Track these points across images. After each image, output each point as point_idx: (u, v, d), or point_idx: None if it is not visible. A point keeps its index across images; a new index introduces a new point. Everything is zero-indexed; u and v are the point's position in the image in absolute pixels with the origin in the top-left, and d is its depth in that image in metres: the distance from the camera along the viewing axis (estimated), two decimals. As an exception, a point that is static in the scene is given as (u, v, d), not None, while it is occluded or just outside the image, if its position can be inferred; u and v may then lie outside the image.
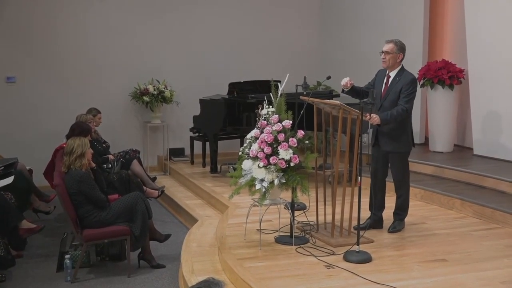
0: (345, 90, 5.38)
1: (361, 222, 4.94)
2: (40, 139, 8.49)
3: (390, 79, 5.25)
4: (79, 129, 6.47)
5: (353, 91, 5.38)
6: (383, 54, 5.23)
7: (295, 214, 5.30)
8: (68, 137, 6.45)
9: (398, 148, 5.27)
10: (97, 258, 5.68)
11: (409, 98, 5.15)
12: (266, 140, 4.86)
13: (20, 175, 6.46)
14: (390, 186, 6.69)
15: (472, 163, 7.19)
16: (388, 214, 5.52)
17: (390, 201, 5.57)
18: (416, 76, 7.79)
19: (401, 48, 5.22)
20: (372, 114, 4.83)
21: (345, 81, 5.29)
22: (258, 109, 5.16)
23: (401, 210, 5.47)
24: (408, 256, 4.80)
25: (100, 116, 7.68)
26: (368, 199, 5.46)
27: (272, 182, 4.85)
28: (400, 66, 5.26)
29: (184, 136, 9.28)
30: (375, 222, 5.44)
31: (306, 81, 6.26)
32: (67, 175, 5.24)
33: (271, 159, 4.83)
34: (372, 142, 5.25)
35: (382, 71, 5.41)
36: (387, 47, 5.23)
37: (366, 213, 5.38)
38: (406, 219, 5.80)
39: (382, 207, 5.50)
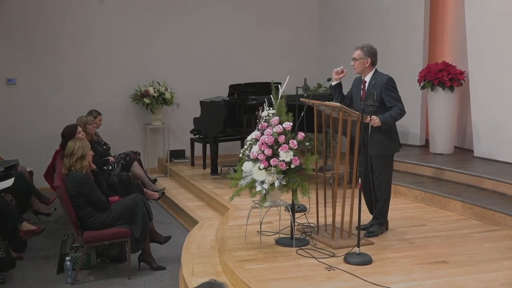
0: (334, 82, 5.41)
1: (362, 224, 4.94)
2: (40, 141, 8.49)
3: (367, 84, 5.29)
4: (68, 132, 6.48)
5: (340, 88, 5.44)
6: (352, 61, 5.31)
7: (296, 216, 5.30)
8: (62, 145, 6.45)
9: (381, 151, 5.23)
10: (98, 260, 5.68)
11: (397, 97, 5.18)
12: (267, 142, 4.86)
13: (21, 177, 6.47)
14: (396, 189, 6.73)
15: (473, 165, 7.19)
16: (390, 216, 5.52)
17: (395, 203, 5.57)
18: (417, 78, 7.87)
19: (368, 52, 5.25)
20: (372, 116, 4.84)
21: (339, 68, 5.32)
22: (259, 111, 5.16)
23: (380, 215, 5.39)
24: (408, 258, 4.79)
25: (101, 118, 7.70)
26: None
27: (272, 184, 4.85)
28: (373, 70, 5.30)
29: (185, 138, 9.29)
30: None
31: (306, 83, 6.26)
32: (68, 177, 5.24)
33: (271, 161, 4.83)
34: (360, 150, 5.19)
35: (357, 78, 5.46)
36: (355, 53, 5.29)
37: (366, 215, 5.37)
38: (406, 220, 5.83)
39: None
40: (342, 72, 5.38)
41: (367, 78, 5.30)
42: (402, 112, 5.16)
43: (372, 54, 5.28)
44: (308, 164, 5.00)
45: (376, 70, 5.31)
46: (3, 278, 5.20)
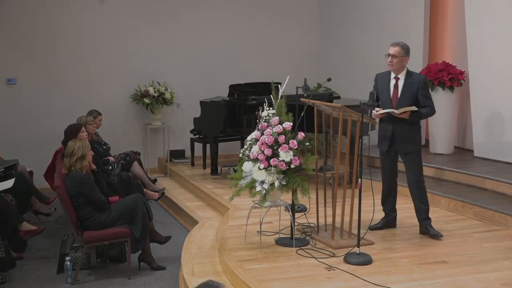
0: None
1: (374, 223, 5.23)
2: (40, 141, 8.49)
3: (401, 82, 5.25)
4: (71, 130, 6.49)
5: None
6: (390, 57, 5.22)
7: (296, 216, 5.30)
8: (63, 143, 6.46)
9: (416, 148, 5.37)
10: (98, 260, 5.68)
11: (430, 96, 5.30)
12: (267, 142, 4.86)
13: (21, 177, 6.47)
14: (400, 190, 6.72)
15: (473, 165, 7.19)
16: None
17: (400, 201, 5.56)
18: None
19: (407, 51, 5.25)
20: (403, 108, 5.03)
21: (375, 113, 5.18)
22: (259, 111, 5.16)
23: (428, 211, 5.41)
24: (408, 258, 4.79)
25: (101, 118, 7.67)
26: (369, 201, 5.37)
27: (272, 184, 4.85)
28: (406, 68, 5.30)
29: (185, 138, 9.30)
30: (390, 221, 5.57)
31: (306, 83, 6.26)
32: (68, 177, 5.24)
33: (271, 161, 4.83)
34: (385, 148, 5.33)
35: (382, 75, 5.42)
36: (394, 50, 5.22)
37: (366, 215, 5.35)
38: (407, 221, 5.82)
39: (394, 210, 5.58)
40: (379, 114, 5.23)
41: (401, 76, 5.27)
42: (433, 112, 5.29)
43: (409, 53, 5.29)
44: (308, 164, 5.00)
45: (407, 68, 5.32)
46: (3, 278, 5.20)
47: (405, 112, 5.10)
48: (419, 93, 5.19)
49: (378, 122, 5.43)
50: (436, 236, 5.26)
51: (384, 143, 5.34)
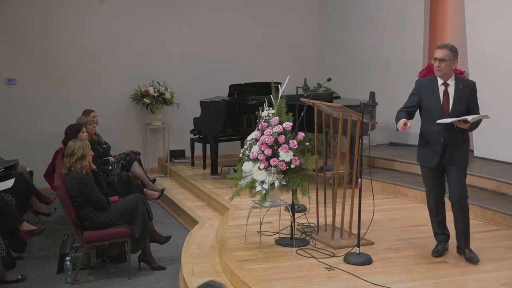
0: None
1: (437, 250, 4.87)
2: (40, 141, 8.49)
3: (452, 88, 4.72)
4: (71, 130, 6.49)
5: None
6: (438, 62, 4.65)
7: (296, 216, 5.30)
8: (64, 142, 6.46)
9: (467, 161, 4.84)
10: (98, 260, 5.68)
11: (477, 103, 4.79)
12: (267, 142, 4.87)
13: (21, 177, 6.46)
14: (396, 189, 6.70)
15: (473, 165, 7.17)
16: (390, 215, 5.51)
17: (395, 203, 5.56)
18: (417, 78, 7.86)
19: (456, 53, 4.69)
20: (465, 117, 4.56)
21: (401, 125, 4.65)
22: (259, 111, 5.16)
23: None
24: (408, 258, 4.79)
25: (95, 114, 7.53)
26: (369, 201, 5.33)
27: (272, 184, 4.86)
28: (453, 73, 4.76)
29: (185, 138, 9.30)
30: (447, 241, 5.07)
31: (306, 83, 6.26)
32: (68, 177, 5.24)
33: (271, 161, 4.83)
34: (435, 162, 4.76)
35: (425, 82, 4.89)
36: (442, 53, 4.65)
37: (366, 215, 5.35)
38: (407, 221, 5.81)
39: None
40: (405, 125, 4.67)
41: (451, 82, 4.72)
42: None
43: (457, 55, 4.72)
44: (308, 164, 5.00)
45: (454, 73, 4.80)
46: (22, 275, 5.26)
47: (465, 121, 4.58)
48: (470, 99, 4.75)
49: (415, 131, 4.85)
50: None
51: (433, 156, 4.75)
